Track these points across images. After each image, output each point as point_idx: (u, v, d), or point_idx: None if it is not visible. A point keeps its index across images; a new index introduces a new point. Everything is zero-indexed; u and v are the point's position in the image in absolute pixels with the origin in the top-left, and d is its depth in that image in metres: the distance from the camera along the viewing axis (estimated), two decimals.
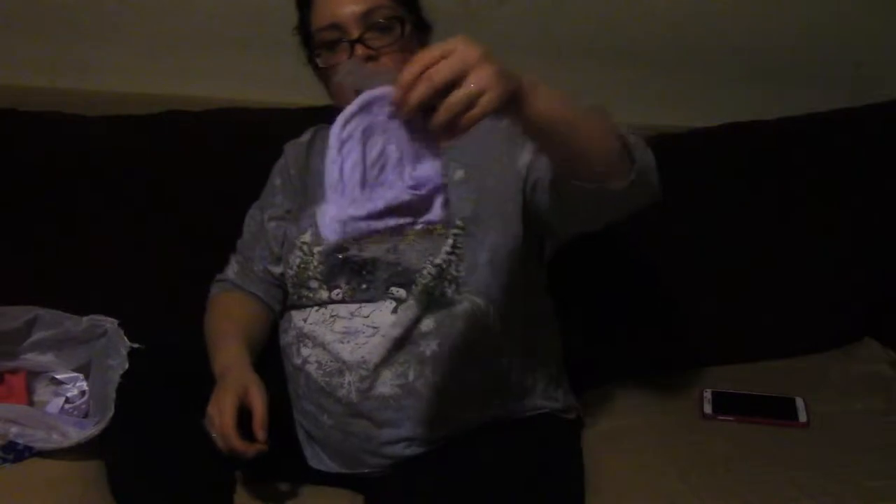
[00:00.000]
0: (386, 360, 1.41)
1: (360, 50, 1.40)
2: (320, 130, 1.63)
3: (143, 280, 1.78)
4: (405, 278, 1.42)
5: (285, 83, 1.93)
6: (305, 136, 1.65)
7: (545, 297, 1.57)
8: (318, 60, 1.46)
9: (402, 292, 1.42)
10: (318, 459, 1.50)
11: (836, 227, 1.91)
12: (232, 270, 1.64)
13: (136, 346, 1.57)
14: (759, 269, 1.88)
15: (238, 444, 1.35)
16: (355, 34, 1.40)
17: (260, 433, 1.36)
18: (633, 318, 1.83)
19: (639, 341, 1.83)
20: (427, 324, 1.41)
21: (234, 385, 1.39)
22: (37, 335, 1.66)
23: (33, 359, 1.67)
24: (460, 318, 1.42)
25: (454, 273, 1.43)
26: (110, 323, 1.65)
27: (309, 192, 1.57)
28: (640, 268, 1.86)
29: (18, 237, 1.80)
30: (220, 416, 1.36)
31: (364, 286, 1.45)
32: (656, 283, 1.86)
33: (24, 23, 1.97)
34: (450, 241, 1.43)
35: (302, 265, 1.50)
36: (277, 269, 1.58)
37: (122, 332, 1.62)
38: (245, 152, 1.82)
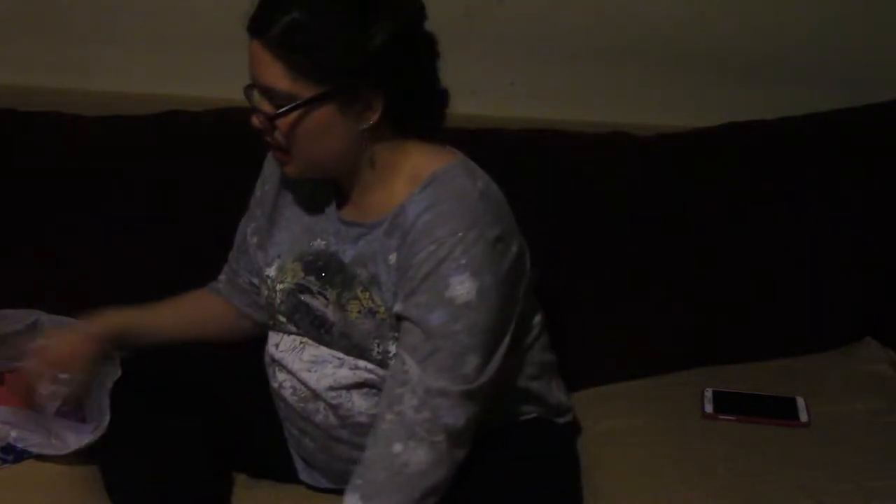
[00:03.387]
0: (357, 387, 1.38)
1: (254, 119, 1.33)
2: None
3: (143, 281, 1.78)
4: (359, 352, 1.37)
5: None
6: None
7: (532, 319, 1.46)
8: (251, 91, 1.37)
9: (360, 360, 1.37)
10: (308, 475, 1.51)
11: (837, 226, 1.91)
12: (221, 281, 1.62)
13: (122, 352, 1.57)
14: (758, 269, 1.88)
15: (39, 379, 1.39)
16: (255, 101, 1.33)
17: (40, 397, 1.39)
18: (632, 318, 1.83)
19: (638, 341, 1.83)
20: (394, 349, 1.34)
21: (62, 348, 1.44)
22: (38, 342, 1.66)
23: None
24: None
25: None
26: None
27: (279, 215, 1.48)
28: (640, 267, 1.86)
29: (19, 237, 1.80)
30: (72, 349, 1.40)
31: (325, 337, 1.40)
32: (656, 282, 1.85)
33: (24, 23, 1.97)
34: (393, 325, 1.33)
35: (268, 298, 1.46)
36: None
37: None
38: (245, 152, 1.82)
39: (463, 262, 1.26)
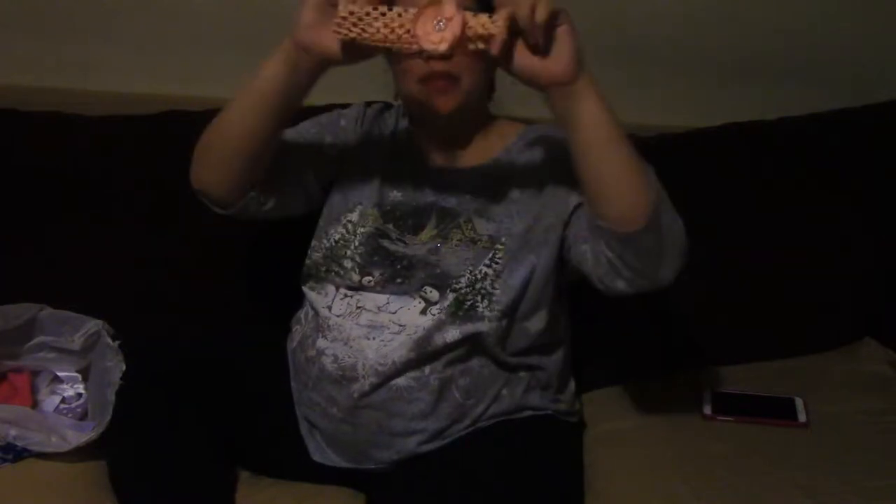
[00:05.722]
0: (406, 363, 1.41)
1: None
2: (371, 106, 1.62)
3: (143, 280, 1.78)
4: (441, 281, 1.43)
5: None
6: (361, 109, 1.62)
7: (565, 312, 1.58)
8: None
9: (435, 294, 1.42)
10: (321, 453, 1.50)
11: (836, 226, 1.91)
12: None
13: (117, 342, 1.57)
14: (758, 269, 1.88)
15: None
16: None
17: None
18: (632, 319, 1.83)
19: (639, 341, 1.83)
20: (452, 333, 1.41)
21: None
22: (38, 338, 1.67)
23: (36, 357, 1.68)
24: (483, 335, 1.42)
25: (489, 289, 1.42)
26: (95, 324, 1.65)
27: (361, 164, 1.55)
28: None
29: (19, 237, 1.80)
30: None
31: (399, 280, 1.45)
32: None
33: (24, 23, 1.97)
34: (491, 254, 1.44)
35: (341, 241, 1.49)
36: (305, 175, 1.54)
37: (107, 331, 1.62)
38: None
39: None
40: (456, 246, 1.45)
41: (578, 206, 1.43)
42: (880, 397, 1.73)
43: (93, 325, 1.65)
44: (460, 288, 1.42)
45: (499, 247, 1.45)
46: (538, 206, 1.47)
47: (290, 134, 1.54)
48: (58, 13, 1.96)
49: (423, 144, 1.54)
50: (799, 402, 1.70)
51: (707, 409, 1.69)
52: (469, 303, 1.42)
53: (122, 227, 1.81)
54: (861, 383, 1.78)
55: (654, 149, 1.93)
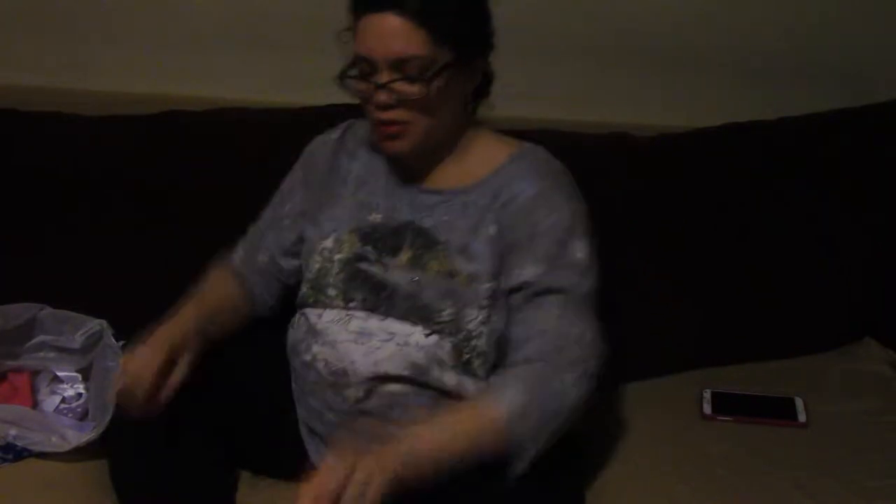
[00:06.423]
0: (399, 378, 1.40)
1: (381, 96, 1.34)
2: (351, 127, 1.57)
3: (143, 280, 1.78)
4: (424, 314, 1.40)
5: (286, 83, 1.93)
6: (336, 133, 1.58)
7: None
8: (347, 77, 1.39)
9: (419, 327, 1.40)
10: (321, 456, 1.50)
11: (836, 226, 1.91)
12: (237, 256, 1.61)
13: (122, 343, 1.57)
14: (758, 269, 1.88)
15: (144, 390, 1.32)
16: (383, 79, 1.34)
17: (162, 396, 1.34)
18: (632, 319, 1.83)
19: (638, 342, 1.83)
20: (450, 377, 1.40)
21: (173, 339, 1.37)
22: (39, 338, 1.67)
23: (36, 357, 1.68)
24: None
25: (483, 347, 1.40)
26: (98, 324, 1.65)
27: (333, 192, 1.52)
28: (639, 268, 1.85)
29: (19, 237, 1.80)
30: (144, 361, 1.33)
31: (382, 308, 1.42)
32: (655, 283, 1.85)
33: (24, 23, 1.97)
34: (474, 297, 1.39)
35: (322, 270, 1.48)
36: (287, 263, 1.57)
37: (110, 331, 1.62)
38: (245, 152, 1.82)
39: (582, 228, 1.41)
40: (434, 278, 1.41)
41: (525, 285, 1.38)
42: (880, 397, 1.74)
43: (94, 324, 1.65)
44: (448, 319, 1.39)
45: (480, 288, 1.39)
46: (504, 247, 1.41)
47: (260, 258, 1.58)
48: (58, 13, 1.96)
49: (400, 162, 1.47)
50: (799, 402, 1.70)
51: (707, 409, 1.70)
52: (467, 357, 1.40)
53: (122, 227, 1.81)
54: (861, 383, 1.78)
55: (655, 149, 1.94)
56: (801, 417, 1.68)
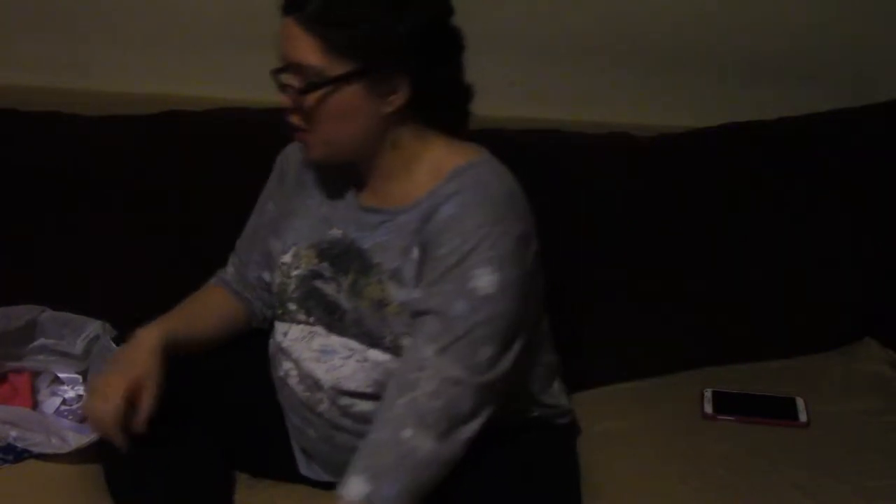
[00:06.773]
0: (366, 395, 1.38)
1: (283, 98, 1.33)
2: None
3: (143, 281, 1.78)
4: (369, 339, 1.38)
5: None
6: None
7: (540, 325, 1.49)
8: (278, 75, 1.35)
9: (371, 352, 1.38)
10: (309, 469, 1.50)
11: (836, 226, 1.91)
12: (230, 272, 1.61)
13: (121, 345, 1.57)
14: (758, 269, 1.88)
15: (115, 433, 1.32)
16: (282, 81, 1.32)
17: (137, 427, 1.34)
18: (631, 319, 1.83)
19: (638, 341, 1.83)
20: None
21: (130, 372, 1.35)
22: (39, 341, 1.66)
23: (37, 360, 1.68)
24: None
25: None
26: (98, 326, 1.65)
27: (300, 203, 1.49)
28: (639, 267, 1.86)
29: (19, 238, 1.80)
30: (105, 403, 1.32)
31: (335, 328, 1.41)
32: (655, 282, 1.85)
33: (24, 23, 1.97)
34: (404, 322, 1.34)
35: (282, 285, 1.47)
36: (271, 277, 1.54)
37: (109, 334, 1.62)
38: (245, 152, 1.82)
39: (488, 255, 1.28)
40: (369, 308, 1.37)
41: (407, 304, 1.34)
42: (880, 397, 1.74)
43: (94, 327, 1.65)
44: (390, 346, 1.36)
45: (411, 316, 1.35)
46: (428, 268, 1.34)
47: (250, 273, 1.57)
48: (58, 13, 1.96)
49: (356, 179, 1.44)
50: (800, 402, 1.71)
51: (707, 409, 1.70)
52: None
53: (122, 227, 1.81)
54: (861, 383, 1.78)
55: (654, 149, 1.95)
56: (803, 417, 1.68)
